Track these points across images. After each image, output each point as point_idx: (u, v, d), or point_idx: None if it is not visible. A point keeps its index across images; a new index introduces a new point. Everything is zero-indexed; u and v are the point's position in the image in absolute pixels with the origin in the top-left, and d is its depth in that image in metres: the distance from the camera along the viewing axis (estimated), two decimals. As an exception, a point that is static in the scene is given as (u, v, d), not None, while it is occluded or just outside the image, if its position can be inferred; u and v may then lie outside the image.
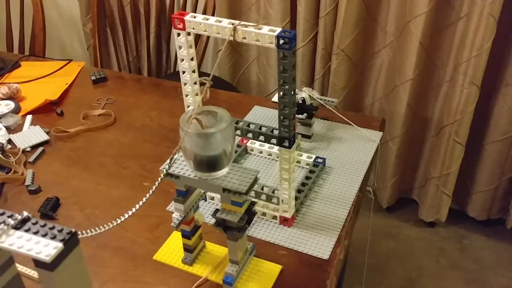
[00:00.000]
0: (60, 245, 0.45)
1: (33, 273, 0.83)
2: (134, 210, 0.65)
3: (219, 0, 1.80)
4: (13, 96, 1.30)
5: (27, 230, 0.46)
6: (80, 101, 1.30)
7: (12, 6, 1.87)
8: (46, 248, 0.44)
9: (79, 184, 1.03)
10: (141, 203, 0.66)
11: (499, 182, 1.75)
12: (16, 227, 0.47)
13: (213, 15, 1.82)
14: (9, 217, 0.47)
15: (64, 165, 1.09)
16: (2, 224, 0.47)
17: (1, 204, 0.98)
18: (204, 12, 1.86)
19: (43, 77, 1.40)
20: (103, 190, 1.02)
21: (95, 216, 0.96)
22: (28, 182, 1.02)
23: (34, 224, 0.47)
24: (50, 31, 2.15)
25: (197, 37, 1.81)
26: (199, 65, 1.91)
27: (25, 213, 0.48)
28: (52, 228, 0.46)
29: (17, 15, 1.87)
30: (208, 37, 1.84)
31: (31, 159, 1.09)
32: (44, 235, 0.46)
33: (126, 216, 0.64)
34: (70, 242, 0.46)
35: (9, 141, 1.14)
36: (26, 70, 1.45)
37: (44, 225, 0.47)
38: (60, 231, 0.46)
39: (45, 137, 1.15)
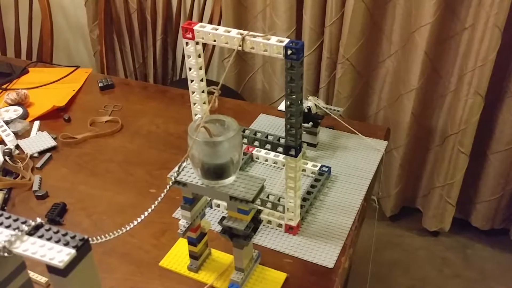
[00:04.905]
0: (73, 251, 0.45)
1: (40, 278, 0.84)
2: (143, 217, 0.66)
3: (225, 9, 1.82)
4: (21, 102, 1.31)
5: (40, 236, 0.47)
6: (87, 108, 1.31)
7: (21, 13, 1.89)
8: (59, 254, 0.45)
9: (86, 190, 1.04)
10: (150, 210, 0.67)
11: (503, 192, 1.75)
12: (30, 233, 0.48)
13: (219, 23, 1.84)
14: (22, 223, 0.48)
15: (71, 171, 1.10)
16: (16, 230, 0.48)
17: (9, 209, 0.99)
18: (211, 21, 1.87)
19: (51, 83, 1.41)
20: (110, 196, 1.03)
21: (102, 222, 0.96)
22: (35, 187, 1.03)
23: (47, 230, 0.48)
24: (57, 37, 2.17)
25: (203, 44, 1.83)
26: (205, 73, 1.92)
27: (38, 220, 0.49)
28: (65, 235, 0.47)
29: (25, 21, 1.89)
30: (214, 45, 1.85)
31: (38, 164, 1.10)
32: (57, 242, 0.46)
33: (135, 223, 0.65)
34: (83, 249, 0.46)
35: (17, 147, 1.15)
36: (34, 76, 1.46)
37: (57, 232, 0.47)
38: (73, 237, 0.47)
39: (52, 143, 1.16)
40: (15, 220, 0.49)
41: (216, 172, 0.73)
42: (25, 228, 0.48)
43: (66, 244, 0.46)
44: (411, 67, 1.61)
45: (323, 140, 1.15)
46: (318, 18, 1.70)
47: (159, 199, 0.69)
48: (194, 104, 0.90)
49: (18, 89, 1.34)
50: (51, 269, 0.46)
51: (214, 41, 0.80)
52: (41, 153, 1.14)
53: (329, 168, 1.05)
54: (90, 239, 0.49)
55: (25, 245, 0.47)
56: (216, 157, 0.72)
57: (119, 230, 0.64)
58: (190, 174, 0.76)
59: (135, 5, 2.00)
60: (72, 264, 0.46)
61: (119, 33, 2.10)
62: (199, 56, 0.85)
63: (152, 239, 0.91)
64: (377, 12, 1.65)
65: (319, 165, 1.05)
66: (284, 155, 0.83)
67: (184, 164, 0.74)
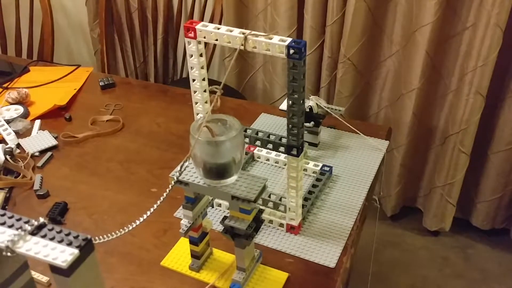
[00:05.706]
0: (76, 251, 0.45)
1: (41, 277, 0.84)
2: (145, 216, 0.66)
3: (226, 8, 1.82)
4: (22, 101, 1.31)
5: (43, 236, 0.47)
6: (88, 107, 1.31)
7: (22, 12, 1.89)
8: (63, 254, 0.45)
9: (87, 189, 1.04)
10: (152, 209, 0.67)
11: (503, 191, 1.75)
12: (33, 233, 0.48)
13: (220, 22, 1.84)
14: (25, 222, 0.48)
15: (72, 170, 1.10)
16: (19, 230, 0.47)
17: (10, 208, 0.99)
18: (212, 19, 1.87)
19: (52, 82, 1.41)
20: (111, 195, 1.03)
21: (103, 221, 0.96)
22: (36, 186, 1.03)
23: (50, 230, 0.48)
24: (58, 36, 2.17)
25: (204, 43, 1.83)
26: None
27: (41, 219, 0.49)
28: (68, 234, 0.47)
29: (26, 20, 1.89)
30: (215, 44, 1.85)
31: (39, 163, 1.10)
32: (60, 241, 0.46)
33: (137, 222, 0.65)
34: (86, 249, 0.46)
35: (18, 146, 1.15)
36: (35, 75, 1.46)
37: (60, 231, 0.47)
38: (76, 237, 0.47)
39: (53, 142, 1.16)
40: (18, 220, 0.49)
41: (218, 171, 0.73)
42: (28, 227, 0.48)
43: (69, 244, 0.46)
44: (412, 66, 1.61)
45: (325, 140, 1.15)
46: (319, 17, 1.70)
47: (162, 198, 0.69)
48: (196, 103, 0.90)
49: (19, 88, 1.34)
50: (54, 269, 0.45)
51: (216, 40, 0.80)
52: (42, 152, 1.14)
53: (331, 167, 1.05)
54: (93, 239, 0.49)
55: (28, 245, 0.47)
56: (218, 156, 0.72)
57: (121, 230, 0.64)
58: (192, 173, 0.75)
59: (136, 4, 1.99)
60: (75, 264, 0.45)
61: (120, 32, 2.10)
62: (201, 55, 0.85)
63: (154, 239, 0.91)
64: (378, 12, 1.65)
65: (321, 164, 1.05)
66: (286, 155, 0.83)
67: (186, 164, 0.74)
